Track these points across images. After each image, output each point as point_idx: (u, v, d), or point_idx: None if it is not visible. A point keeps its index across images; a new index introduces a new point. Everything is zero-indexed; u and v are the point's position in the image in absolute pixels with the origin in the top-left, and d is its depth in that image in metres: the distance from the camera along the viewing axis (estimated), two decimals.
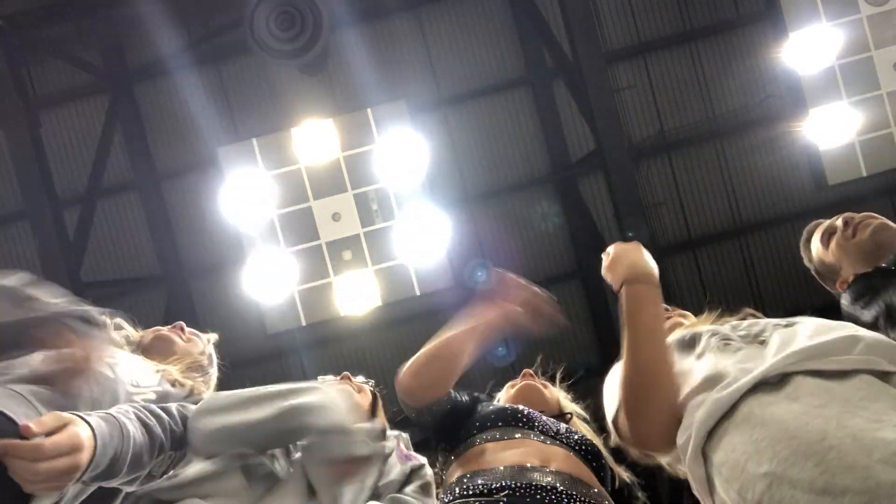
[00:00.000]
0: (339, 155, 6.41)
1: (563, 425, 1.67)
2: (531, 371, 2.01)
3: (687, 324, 1.72)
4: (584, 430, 1.78)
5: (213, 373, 1.82)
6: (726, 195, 7.12)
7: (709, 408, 1.22)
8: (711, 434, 1.21)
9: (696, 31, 7.01)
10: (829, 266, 2.00)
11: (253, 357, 6.48)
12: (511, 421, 1.60)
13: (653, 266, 1.51)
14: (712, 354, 1.34)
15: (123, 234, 6.99)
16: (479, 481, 1.39)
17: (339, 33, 6.32)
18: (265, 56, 5.42)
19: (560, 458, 1.48)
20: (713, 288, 7.15)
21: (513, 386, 1.95)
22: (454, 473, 1.51)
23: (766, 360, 1.22)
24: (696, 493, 1.31)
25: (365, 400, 1.92)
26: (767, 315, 1.74)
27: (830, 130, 6.27)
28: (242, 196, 6.30)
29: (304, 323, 6.47)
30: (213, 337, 1.89)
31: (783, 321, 1.43)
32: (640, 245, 1.58)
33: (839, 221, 1.95)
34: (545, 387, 1.94)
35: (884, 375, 1.16)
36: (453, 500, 1.39)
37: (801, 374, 1.18)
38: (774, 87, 6.73)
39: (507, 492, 1.31)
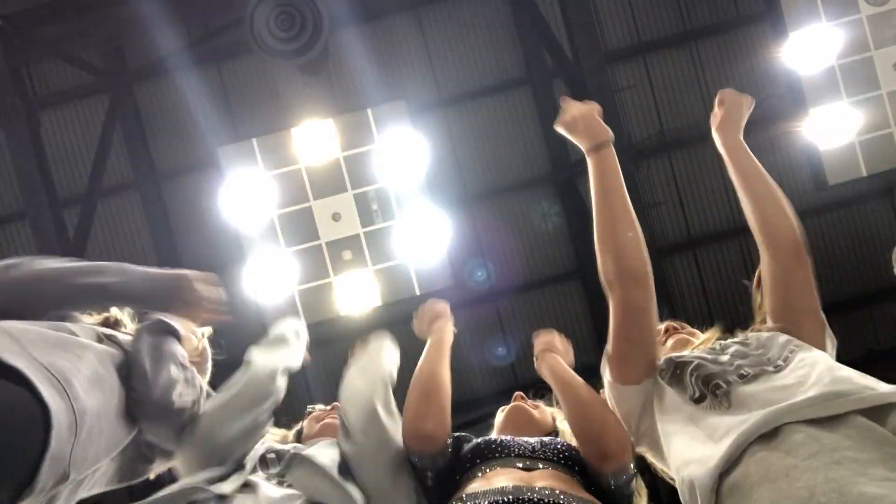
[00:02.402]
0: (339, 155, 6.41)
1: (541, 439, 1.67)
2: (521, 394, 2.01)
3: (695, 342, 1.75)
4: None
5: (208, 367, 1.87)
6: (726, 195, 7.12)
7: (704, 472, 1.24)
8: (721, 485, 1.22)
9: (696, 31, 7.00)
10: None
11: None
12: (487, 454, 1.61)
13: (606, 128, 1.78)
14: (686, 415, 1.39)
15: (123, 234, 6.99)
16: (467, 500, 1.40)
17: (339, 33, 6.32)
18: (265, 56, 5.42)
19: (545, 477, 1.48)
20: (713, 288, 7.15)
21: (503, 410, 1.96)
22: None
23: (752, 417, 1.24)
24: None
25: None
26: None
27: (830, 130, 6.26)
28: (242, 196, 6.30)
29: (303, 323, 6.47)
30: (208, 331, 1.92)
31: (786, 354, 1.43)
32: (593, 105, 1.88)
33: None
34: (536, 407, 1.94)
35: (876, 414, 1.16)
36: None
37: (794, 423, 1.19)
38: (774, 87, 6.73)
39: None
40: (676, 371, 1.50)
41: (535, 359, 1.89)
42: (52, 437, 1.17)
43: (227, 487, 1.45)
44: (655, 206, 6.92)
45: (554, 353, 1.85)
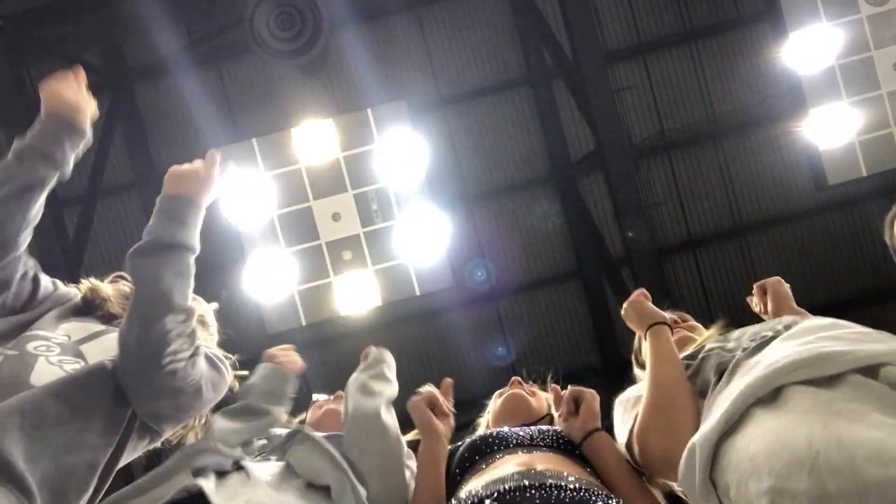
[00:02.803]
0: (339, 155, 6.41)
1: (537, 428, 1.67)
2: (519, 379, 2.00)
3: (698, 339, 1.74)
4: None
5: (214, 332, 1.86)
6: (726, 195, 7.12)
7: (705, 432, 1.25)
8: (714, 459, 1.23)
9: (696, 31, 7.00)
10: None
11: (253, 357, 6.48)
12: (486, 448, 1.60)
13: (659, 312, 1.74)
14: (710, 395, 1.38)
15: (123, 234, 6.99)
16: (462, 495, 1.40)
17: (339, 33, 6.32)
18: (265, 56, 5.42)
19: (545, 460, 1.48)
20: (713, 288, 7.15)
21: (500, 395, 1.95)
22: None
23: (750, 381, 1.25)
24: None
25: None
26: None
27: (830, 130, 6.27)
28: (242, 196, 6.31)
29: (304, 323, 6.48)
30: (214, 305, 1.94)
31: (785, 324, 1.45)
32: (640, 292, 1.87)
33: None
34: (533, 394, 1.94)
35: (871, 372, 1.17)
36: None
37: (793, 384, 1.20)
38: (774, 87, 6.73)
39: (495, 495, 1.31)
40: (693, 368, 1.51)
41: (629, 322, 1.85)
42: None
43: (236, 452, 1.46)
44: (655, 206, 6.92)
45: (664, 325, 1.69)
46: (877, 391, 1.12)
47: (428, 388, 1.74)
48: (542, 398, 1.94)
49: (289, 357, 2.00)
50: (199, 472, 1.37)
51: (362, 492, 1.46)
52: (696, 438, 1.27)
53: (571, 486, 1.32)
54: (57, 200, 5.85)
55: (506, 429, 1.68)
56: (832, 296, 6.83)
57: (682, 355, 1.60)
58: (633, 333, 1.83)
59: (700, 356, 1.51)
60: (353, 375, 1.75)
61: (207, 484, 1.30)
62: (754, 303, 1.97)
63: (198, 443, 1.50)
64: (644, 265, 5.71)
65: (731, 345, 1.47)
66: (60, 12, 5.56)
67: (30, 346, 1.39)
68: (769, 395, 1.21)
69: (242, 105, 6.92)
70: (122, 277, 1.77)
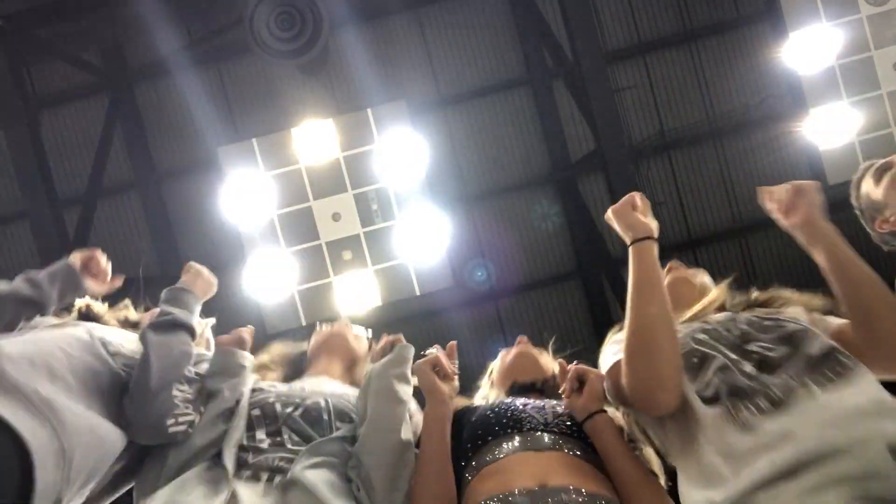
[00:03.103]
0: (339, 155, 6.41)
1: (549, 411, 1.64)
2: (525, 338, 1.99)
3: (696, 287, 1.69)
4: None
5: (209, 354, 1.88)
6: (726, 195, 7.12)
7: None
8: None
9: (696, 31, 7.00)
10: (874, 203, 1.89)
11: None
12: (499, 429, 1.58)
13: (647, 223, 1.58)
14: (718, 426, 1.30)
15: (123, 234, 6.98)
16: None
17: (339, 33, 6.32)
18: (265, 56, 5.42)
19: (559, 469, 1.45)
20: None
21: (507, 353, 1.93)
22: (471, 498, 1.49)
23: (778, 454, 1.18)
24: None
25: (360, 346, 2.04)
26: None
27: (830, 130, 6.27)
28: (242, 196, 6.30)
29: (304, 323, 6.47)
30: (211, 321, 1.93)
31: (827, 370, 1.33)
32: (632, 196, 1.66)
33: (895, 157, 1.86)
34: (540, 353, 1.93)
35: None
36: None
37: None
38: (774, 87, 6.73)
39: None
40: (694, 359, 1.41)
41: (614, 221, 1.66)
42: (35, 475, 1.18)
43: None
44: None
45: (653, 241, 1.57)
46: None
47: (432, 351, 1.72)
48: (549, 358, 1.93)
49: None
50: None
51: None
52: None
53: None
54: (57, 200, 5.84)
55: (519, 404, 1.66)
56: (832, 296, 6.81)
57: (681, 319, 1.54)
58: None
59: (704, 351, 1.41)
60: (377, 367, 1.72)
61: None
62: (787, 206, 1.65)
63: None
64: None
65: (748, 367, 1.36)
66: (60, 12, 5.56)
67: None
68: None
69: (242, 105, 6.91)
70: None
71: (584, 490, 1.37)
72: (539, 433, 1.55)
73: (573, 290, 7.28)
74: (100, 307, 1.84)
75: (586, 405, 1.60)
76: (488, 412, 1.64)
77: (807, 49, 6.16)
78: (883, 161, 1.88)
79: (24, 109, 5.56)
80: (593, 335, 7.24)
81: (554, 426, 1.58)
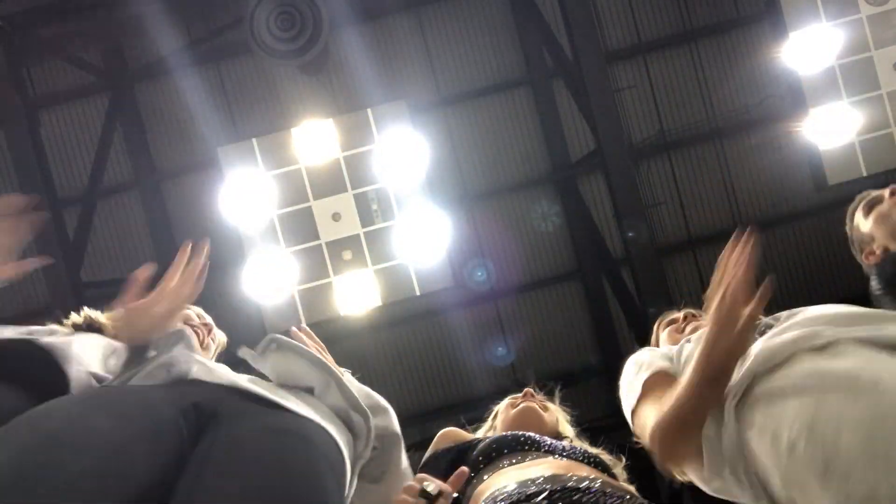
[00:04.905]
0: (339, 155, 6.41)
1: (565, 443, 1.64)
2: (532, 391, 1.97)
3: None
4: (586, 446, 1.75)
5: (217, 336, 1.87)
6: (726, 195, 7.12)
7: (753, 362, 1.16)
8: (748, 396, 1.15)
9: (696, 31, 7.00)
10: (862, 235, 1.92)
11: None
12: (516, 445, 1.57)
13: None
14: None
15: (123, 234, 6.99)
16: (510, 489, 1.33)
17: (339, 33, 6.32)
18: (265, 56, 5.42)
19: (583, 470, 1.45)
20: None
21: (513, 405, 1.91)
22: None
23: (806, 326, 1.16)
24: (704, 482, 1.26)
25: None
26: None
27: (830, 130, 6.26)
28: (242, 196, 6.30)
29: (303, 323, 6.46)
30: (222, 339, 1.92)
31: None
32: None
33: (886, 191, 1.88)
34: (545, 408, 1.91)
35: None
36: None
37: (849, 340, 1.11)
38: (774, 87, 6.73)
39: (545, 494, 1.26)
40: None
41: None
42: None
43: None
44: (655, 206, 6.92)
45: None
46: None
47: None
48: (554, 412, 1.91)
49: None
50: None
51: (351, 388, 1.39)
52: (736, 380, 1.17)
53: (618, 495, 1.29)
54: (57, 200, 5.84)
55: (537, 435, 1.65)
56: (832, 296, 6.82)
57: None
58: (633, 332, 1.77)
59: None
60: None
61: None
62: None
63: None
64: (644, 265, 5.71)
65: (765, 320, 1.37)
66: (60, 12, 5.56)
67: None
68: (820, 345, 1.13)
69: (242, 105, 6.92)
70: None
71: (601, 480, 1.36)
72: (559, 454, 1.55)
73: (573, 290, 7.28)
74: (99, 316, 1.69)
75: None
76: (505, 434, 1.62)
77: (807, 49, 6.16)
78: (876, 193, 1.93)
79: (24, 109, 5.56)
80: (593, 335, 7.25)
81: (570, 452, 1.57)
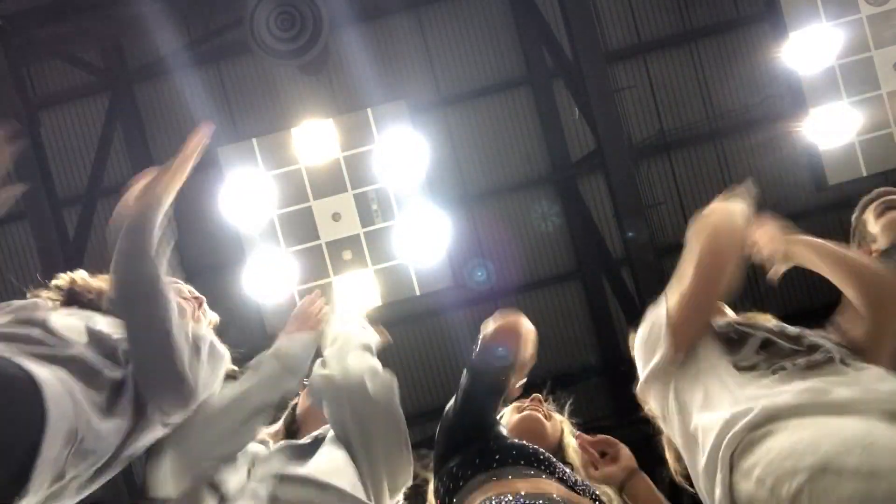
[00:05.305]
0: (339, 155, 6.41)
1: (578, 478, 1.62)
2: (540, 397, 1.95)
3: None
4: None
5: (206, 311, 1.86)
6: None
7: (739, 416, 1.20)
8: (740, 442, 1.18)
9: (696, 31, 7.01)
10: (868, 232, 2.11)
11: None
12: (533, 461, 1.54)
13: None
14: (757, 382, 1.30)
15: None
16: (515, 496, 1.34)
17: (339, 33, 6.32)
18: (265, 56, 5.42)
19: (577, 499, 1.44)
20: None
21: (519, 410, 1.90)
22: (475, 499, 1.45)
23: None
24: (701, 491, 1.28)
25: None
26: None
27: (830, 130, 6.26)
28: (242, 196, 6.30)
29: None
30: (215, 319, 1.92)
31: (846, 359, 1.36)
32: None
33: None
34: (549, 418, 1.89)
35: None
36: None
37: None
38: (774, 87, 6.73)
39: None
40: (733, 336, 1.45)
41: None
42: (44, 442, 1.13)
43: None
44: (655, 206, 6.92)
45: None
46: None
47: None
48: (557, 422, 1.89)
49: None
50: None
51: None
52: (714, 419, 1.22)
53: None
54: (57, 200, 5.84)
55: (557, 461, 1.62)
56: (832, 296, 6.81)
57: (741, 321, 1.56)
58: (634, 333, 1.76)
59: (749, 332, 1.44)
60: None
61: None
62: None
63: None
64: (644, 265, 5.71)
65: (781, 344, 1.40)
66: (60, 12, 5.55)
67: None
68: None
69: (242, 105, 6.92)
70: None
71: None
72: (569, 487, 1.52)
73: (573, 290, 7.28)
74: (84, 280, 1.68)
75: (619, 474, 1.61)
76: (528, 446, 1.60)
77: (807, 49, 6.16)
78: (892, 198, 2.03)
79: (24, 109, 5.56)
80: (593, 335, 7.25)
81: (581, 489, 1.55)
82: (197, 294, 1.84)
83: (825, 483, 1.00)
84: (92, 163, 6.56)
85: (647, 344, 1.53)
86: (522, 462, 1.52)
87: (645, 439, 1.71)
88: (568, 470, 1.59)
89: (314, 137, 6.34)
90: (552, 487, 1.40)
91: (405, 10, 6.88)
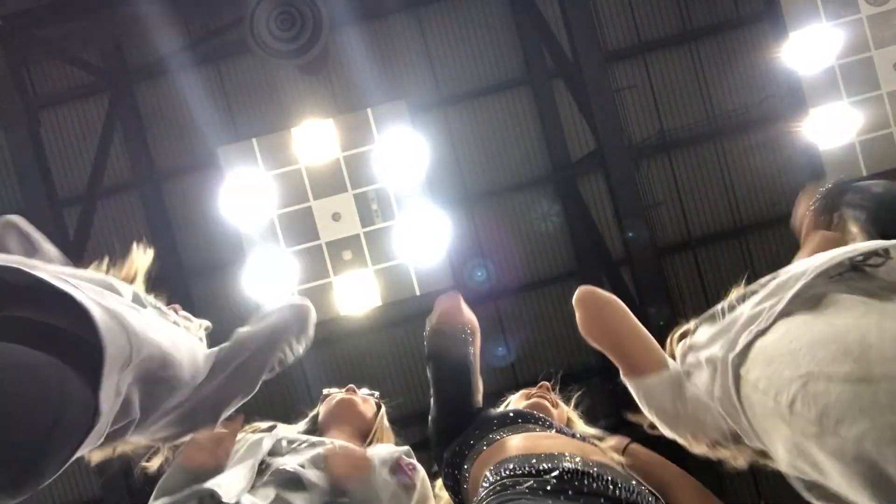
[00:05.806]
0: (339, 155, 6.41)
1: (577, 432, 1.64)
2: (548, 385, 1.96)
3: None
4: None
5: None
6: (726, 195, 7.12)
7: (744, 330, 1.20)
8: (743, 356, 1.18)
9: (696, 31, 7.00)
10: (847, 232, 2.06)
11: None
12: (531, 420, 1.56)
13: None
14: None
15: (123, 234, 6.98)
16: (527, 464, 1.33)
17: (339, 33, 6.32)
18: (265, 56, 5.42)
19: (597, 453, 1.45)
20: (713, 288, 7.14)
21: (527, 396, 1.91)
22: (482, 469, 1.44)
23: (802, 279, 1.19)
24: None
25: (369, 410, 1.97)
26: None
27: (830, 130, 6.27)
28: (242, 196, 6.31)
29: None
30: (206, 323, 1.91)
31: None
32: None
33: None
34: (556, 406, 1.90)
35: None
36: (499, 479, 1.31)
37: (839, 292, 1.14)
38: (774, 87, 6.73)
39: (556, 472, 1.26)
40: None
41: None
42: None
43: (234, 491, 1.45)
44: (655, 206, 6.92)
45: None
46: None
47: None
48: (564, 412, 1.91)
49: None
50: None
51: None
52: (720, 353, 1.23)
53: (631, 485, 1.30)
54: (57, 200, 5.84)
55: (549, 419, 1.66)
56: None
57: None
58: None
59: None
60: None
61: None
62: None
63: None
64: (644, 265, 5.71)
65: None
66: (60, 12, 5.55)
67: None
68: (811, 300, 1.15)
69: (242, 105, 6.92)
70: None
71: (613, 467, 1.37)
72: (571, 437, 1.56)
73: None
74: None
75: (620, 443, 1.63)
76: (523, 409, 1.63)
77: (807, 49, 6.17)
78: None
79: (24, 109, 5.56)
80: None
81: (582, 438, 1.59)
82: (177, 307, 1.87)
83: (817, 388, 1.02)
84: (92, 163, 6.56)
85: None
86: (521, 420, 1.54)
87: (645, 439, 1.71)
88: (564, 428, 1.62)
89: (314, 137, 6.35)
90: (554, 441, 1.42)
91: (405, 9, 6.87)
